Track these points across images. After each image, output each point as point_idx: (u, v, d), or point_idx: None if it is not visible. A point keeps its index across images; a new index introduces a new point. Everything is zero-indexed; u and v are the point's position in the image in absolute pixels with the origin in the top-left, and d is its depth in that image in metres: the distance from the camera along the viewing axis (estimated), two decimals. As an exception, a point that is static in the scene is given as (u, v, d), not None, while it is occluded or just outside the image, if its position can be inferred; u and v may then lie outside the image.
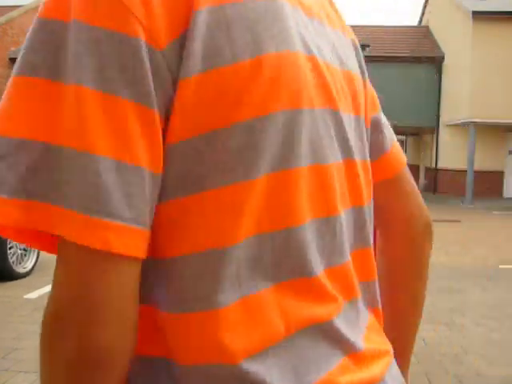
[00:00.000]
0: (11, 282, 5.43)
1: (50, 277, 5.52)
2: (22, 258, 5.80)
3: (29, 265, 5.87)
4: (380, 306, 0.68)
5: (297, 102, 0.51)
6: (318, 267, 0.55)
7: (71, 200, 0.43)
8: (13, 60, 16.89)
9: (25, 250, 5.84)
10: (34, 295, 4.87)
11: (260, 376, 0.49)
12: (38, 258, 5.99)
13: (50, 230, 0.44)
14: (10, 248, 5.53)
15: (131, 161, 0.44)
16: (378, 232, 0.81)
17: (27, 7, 17.94)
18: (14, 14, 17.24)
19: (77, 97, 0.44)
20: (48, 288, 5.04)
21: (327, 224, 0.56)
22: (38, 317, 4.11)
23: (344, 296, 0.59)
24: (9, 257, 5.49)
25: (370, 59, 14.80)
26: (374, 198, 0.69)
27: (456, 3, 17.96)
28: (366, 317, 0.64)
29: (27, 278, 5.59)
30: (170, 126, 0.46)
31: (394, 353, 0.66)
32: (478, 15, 16.35)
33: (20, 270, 5.72)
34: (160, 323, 0.50)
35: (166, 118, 0.47)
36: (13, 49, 17.15)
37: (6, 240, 5.41)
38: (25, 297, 4.83)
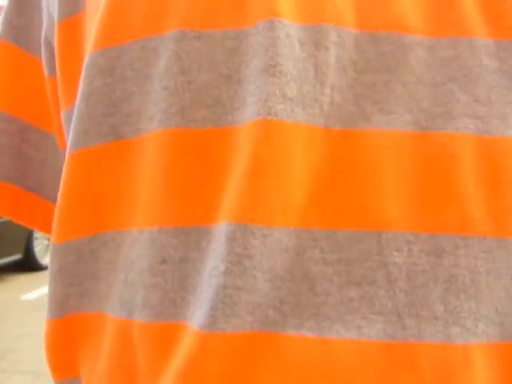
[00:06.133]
0: (8, 282, 5.40)
1: (47, 278, 5.54)
2: (46, 250, 5.94)
3: None
4: None
5: None
6: None
7: None
8: (12, 60, 16.86)
9: (49, 239, 5.97)
10: (31, 296, 4.80)
11: None
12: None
13: None
14: (35, 239, 5.70)
15: None
16: None
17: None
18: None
19: None
20: (45, 290, 5.00)
21: None
22: (36, 318, 4.06)
23: None
24: (34, 248, 5.65)
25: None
26: None
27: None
28: None
29: (25, 278, 5.55)
30: None
31: None
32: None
33: (44, 261, 5.84)
34: None
35: None
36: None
37: (32, 231, 5.57)
38: (22, 298, 4.79)
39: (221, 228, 0.31)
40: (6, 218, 0.46)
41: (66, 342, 0.39)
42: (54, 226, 0.38)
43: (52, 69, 0.42)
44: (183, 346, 0.31)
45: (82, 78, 0.36)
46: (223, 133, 0.32)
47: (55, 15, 0.39)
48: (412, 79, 0.32)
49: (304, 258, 0.31)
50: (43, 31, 0.42)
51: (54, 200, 0.44)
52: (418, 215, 0.31)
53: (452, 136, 0.32)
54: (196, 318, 0.31)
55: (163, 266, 0.32)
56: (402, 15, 0.33)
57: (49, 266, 0.39)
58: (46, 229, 0.46)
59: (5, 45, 0.45)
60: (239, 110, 0.32)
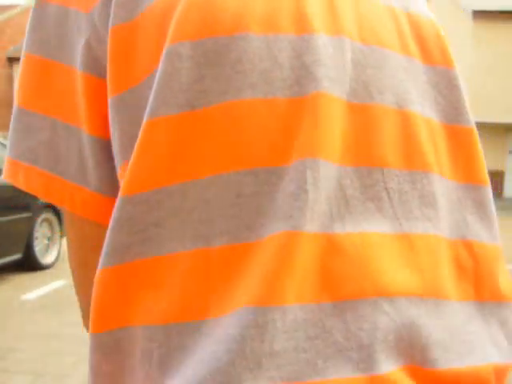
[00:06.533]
0: (8, 282, 5.39)
1: (47, 278, 5.56)
2: (46, 249, 6.02)
3: (53, 255, 6.11)
4: None
5: None
6: None
7: None
8: (11, 59, 16.83)
9: (49, 239, 6.11)
10: (31, 296, 4.79)
11: None
12: (59, 251, 6.26)
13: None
14: (35, 239, 5.74)
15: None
16: None
17: (26, 6, 17.87)
18: (12, 12, 17.19)
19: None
20: (45, 289, 5.00)
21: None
22: (37, 318, 4.07)
23: None
24: (34, 248, 5.70)
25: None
26: None
27: (456, 2, 17.98)
28: None
29: (25, 279, 5.56)
30: None
31: None
32: (479, 14, 16.35)
33: (44, 260, 5.92)
34: None
35: None
36: (11, 48, 17.09)
37: (32, 231, 5.62)
38: (22, 298, 4.78)
39: (297, 164, 0.45)
40: (45, 200, 0.51)
41: (124, 288, 0.46)
42: (126, 180, 0.46)
43: (88, 67, 0.51)
44: (272, 245, 0.43)
45: (162, 62, 0.46)
46: (277, 102, 0.46)
47: (109, 22, 0.49)
48: (391, 75, 0.52)
49: (341, 185, 0.47)
50: (83, 38, 0.52)
51: (77, 181, 0.53)
52: (402, 159, 0.51)
53: (414, 114, 0.52)
54: (281, 225, 0.44)
55: (239, 200, 0.45)
56: (382, 38, 0.53)
57: (114, 217, 0.46)
58: (71, 206, 0.54)
59: (31, 57, 0.55)
60: (292, 87, 0.47)
